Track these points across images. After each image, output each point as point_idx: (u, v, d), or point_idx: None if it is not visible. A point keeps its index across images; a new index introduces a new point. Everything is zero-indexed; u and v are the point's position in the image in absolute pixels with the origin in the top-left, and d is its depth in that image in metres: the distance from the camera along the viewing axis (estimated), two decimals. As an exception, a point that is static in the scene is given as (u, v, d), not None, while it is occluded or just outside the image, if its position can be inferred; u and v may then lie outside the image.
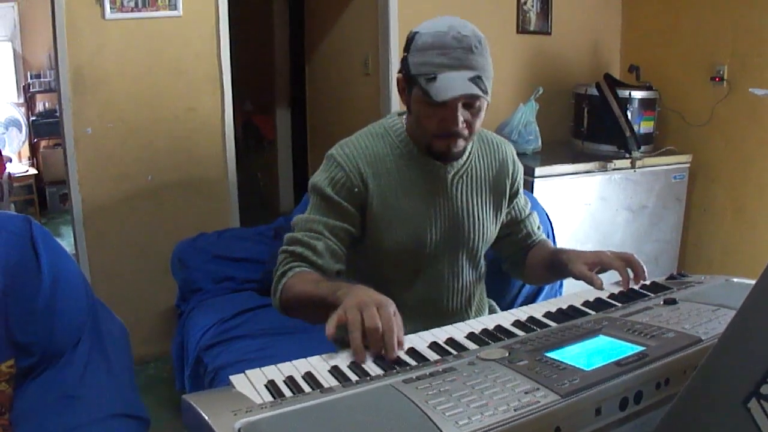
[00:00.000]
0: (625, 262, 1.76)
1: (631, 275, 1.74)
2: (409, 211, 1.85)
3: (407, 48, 1.75)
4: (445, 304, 1.97)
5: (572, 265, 1.82)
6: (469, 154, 1.93)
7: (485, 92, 1.68)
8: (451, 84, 1.65)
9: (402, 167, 1.86)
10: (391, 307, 1.39)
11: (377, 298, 1.41)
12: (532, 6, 4.47)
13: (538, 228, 2.14)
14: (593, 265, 1.80)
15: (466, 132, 1.75)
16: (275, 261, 1.83)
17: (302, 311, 1.73)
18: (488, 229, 1.99)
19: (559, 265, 1.90)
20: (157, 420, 2.51)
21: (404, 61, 1.76)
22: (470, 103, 1.71)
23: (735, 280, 1.69)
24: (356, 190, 1.81)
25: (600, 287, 1.71)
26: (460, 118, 1.71)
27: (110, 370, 2.02)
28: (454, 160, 1.88)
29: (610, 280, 1.77)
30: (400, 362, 1.25)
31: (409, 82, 1.76)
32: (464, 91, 1.65)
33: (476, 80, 1.66)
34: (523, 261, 2.12)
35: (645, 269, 1.75)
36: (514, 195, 2.07)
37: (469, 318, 2.01)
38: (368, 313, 1.34)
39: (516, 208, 2.09)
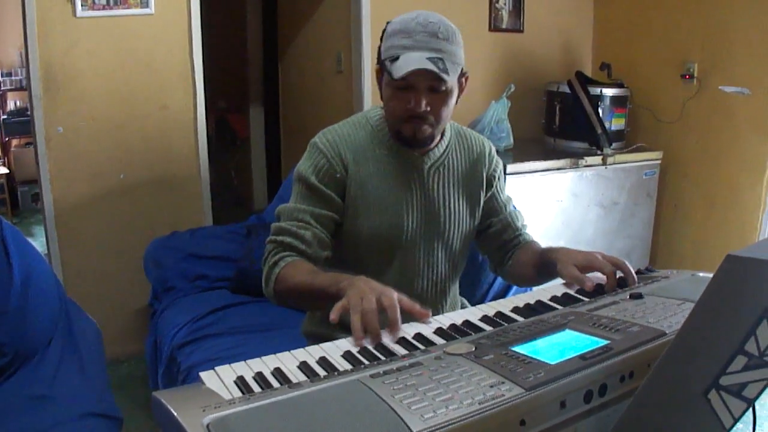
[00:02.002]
0: (617, 268, 1.71)
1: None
2: (386, 198, 1.89)
3: (381, 38, 1.83)
4: (418, 294, 1.98)
5: (561, 265, 1.78)
6: (447, 146, 1.98)
7: (444, 71, 1.71)
8: (409, 61, 1.71)
9: (381, 156, 1.91)
10: (394, 294, 1.45)
11: (379, 288, 1.47)
12: (505, 4, 4.49)
13: (523, 225, 2.13)
14: (583, 267, 1.75)
15: (431, 117, 1.80)
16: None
17: (298, 301, 1.80)
18: (464, 221, 2.01)
19: (548, 264, 1.87)
20: (130, 419, 2.51)
21: (378, 51, 1.83)
22: (433, 87, 1.75)
23: (701, 274, 1.71)
24: (338, 175, 1.87)
25: (590, 289, 1.67)
26: (423, 101, 1.76)
27: (83, 370, 2.02)
28: (423, 147, 1.91)
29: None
30: (368, 356, 1.26)
31: (381, 69, 1.83)
32: (419, 65, 1.70)
33: (435, 60, 1.71)
34: (507, 259, 2.11)
35: (636, 278, 1.69)
36: (489, 184, 2.07)
37: (442, 311, 2.02)
38: (367, 299, 1.41)
39: (495, 201, 2.09)
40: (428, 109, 1.78)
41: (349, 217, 1.90)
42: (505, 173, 2.16)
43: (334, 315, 1.43)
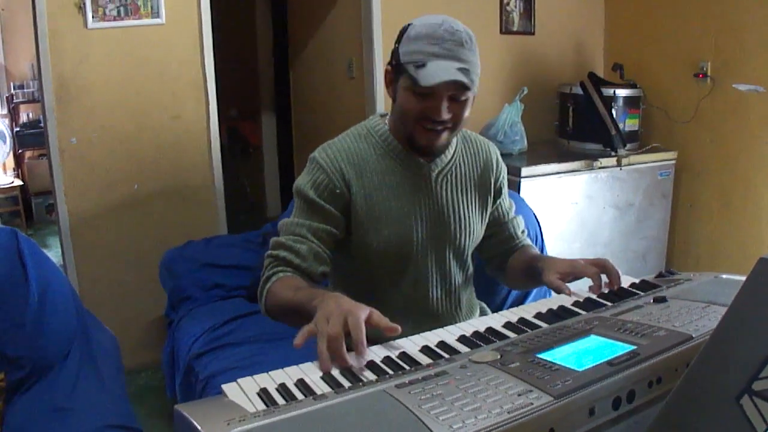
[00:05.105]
0: (599, 269, 1.74)
1: (606, 280, 1.73)
2: (394, 209, 1.86)
3: (399, 39, 1.77)
4: (433, 304, 1.97)
5: (545, 273, 1.81)
6: (454, 152, 1.95)
7: (471, 83, 1.69)
8: (440, 71, 1.67)
9: (385, 167, 1.87)
10: (361, 313, 1.39)
11: (347, 307, 1.40)
12: (515, 6, 4.48)
13: (522, 232, 2.13)
14: (566, 274, 1.78)
15: (450, 123, 1.76)
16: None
17: (285, 317, 1.75)
18: (474, 227, 1.99)
19: (534, 273, 1.89)
20: (149, 429, 2.50)
21: (394, 52, 1.78)
22: (455, 96, 1.72)
23: (724, 276, 1.70)
24: (338, 191, 1.83)
25: (569, 295, 1.69)
26: (444, 109, 1.72)
27: (101, 381, 2.02)
28: (436, 155, 1.89)
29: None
30: (392, 366, 1.24)
31: (397, 71, 1.77)
32: (452, 77, 1.66)
33: (464, 71, 1.68)
34: (505, 264, 2.11)
35: (620, 274, 1.74)
36: (498, 193, 2.06)
37: (458, 319, 2.01)
38: (332, 322, 1.35)
39: (500, 209, 2.08)
40: (449, 116, 1.74)
41: (357, 231, 1.86)
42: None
43: (298, 340, 1.36)
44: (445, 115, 1.73)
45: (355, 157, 1.86)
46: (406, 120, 1.80)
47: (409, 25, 1.76)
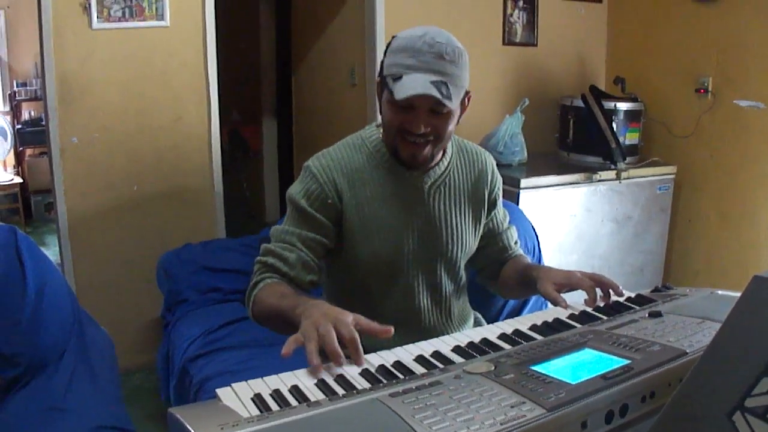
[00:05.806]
0: (595, 283, 1.73)
1: (600, 294, 1.72)
2: (385, 220, 1.86)
3: (385, 51, 1.79)
4: (423, 315, 1.97)
5: (540, 283, 1.80)
6: (448, 163, 1.94)
7: (447, 97, 1.67)
8: (412, 84, 1.66)
9: (378, 177, 1.87)
10: (348, 318, 1.41)
11: (333, 314, 1.42)
12: (519, 18, 4.48)
13: (516, 243, 2.12)
14: (561, 285, 1.77)
15: (430, 137, 1.76)
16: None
17: (270, 323, 1.76)
18: (467, 239, 1.98)
19: (529, 282, 1.88)
20: (141, 431, 2.50)
21: (381, 64, 1.80)
22: (435, 109, 1.70)
23: (720, 292, 1.70)
24: (330, 201, 1.83)
25: (565, 308, 1.68)
26: (423, 123, 1.72)
27: (95, 382, 2.02)
28: (421, 168, 1.88)
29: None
30: (386, 375, 1.25)
31: (381, 84, 1.79)
32: (422, 91, 1.65)
33: (439, 84, 1.67)
34: (497, 274, 2.11)
35: (618, 286, 1.73)
36: (492, 205, 2.05)
37: (450, 329, 2.01)
38: (323, 328, 1.36)
39: (494, 220, 2.07)
40: (428, 130, 1.73)
41: (348, 242, 1.87)
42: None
43: (286, 349, 1.35)
44: (423, 129, 1.72)
45: (348, 167, 1.86)
46: (388, 133, 1.82)
47: (394, 37, 1.76)
